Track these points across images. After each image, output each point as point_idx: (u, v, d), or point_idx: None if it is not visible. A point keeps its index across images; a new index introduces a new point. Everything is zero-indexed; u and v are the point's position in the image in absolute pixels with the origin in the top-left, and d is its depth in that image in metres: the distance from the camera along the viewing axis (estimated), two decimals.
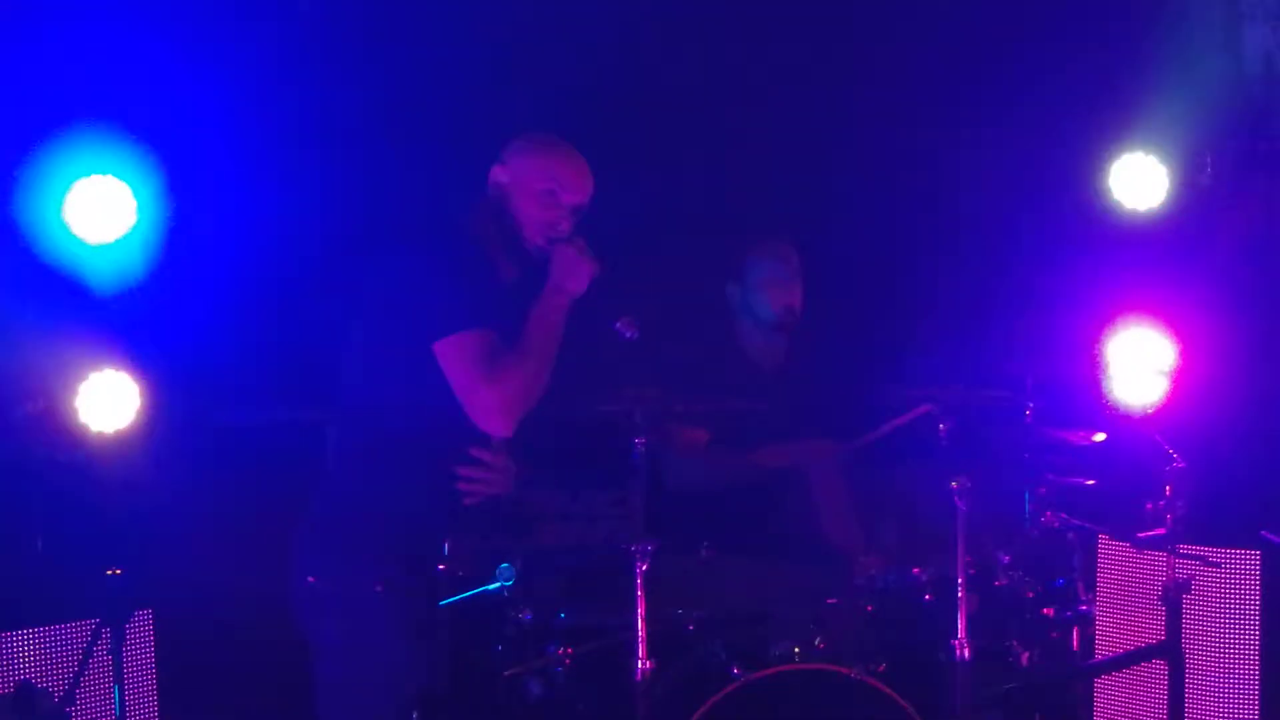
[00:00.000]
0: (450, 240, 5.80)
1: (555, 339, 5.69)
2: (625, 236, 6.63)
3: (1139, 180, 7.76)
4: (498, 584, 6.46)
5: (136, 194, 6.87)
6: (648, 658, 6.15)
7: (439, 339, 5.58)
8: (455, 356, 5.58)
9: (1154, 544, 6.42)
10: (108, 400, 6.92)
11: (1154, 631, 6.76)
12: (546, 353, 5.67)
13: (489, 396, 5.56)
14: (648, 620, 6.10)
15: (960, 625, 6.14)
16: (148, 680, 6.86)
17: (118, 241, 6.94)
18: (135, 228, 6.93)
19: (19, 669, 6.52)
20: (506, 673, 6.42)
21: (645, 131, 8.01)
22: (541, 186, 5.81)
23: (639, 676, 6.16)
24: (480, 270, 5.72)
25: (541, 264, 5.81)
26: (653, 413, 6.22)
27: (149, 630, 6.87)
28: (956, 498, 6.15)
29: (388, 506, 5.74)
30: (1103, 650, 7.14)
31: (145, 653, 6.85)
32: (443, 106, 7.86)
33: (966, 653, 6.16)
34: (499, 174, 5.89)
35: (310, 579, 5.70)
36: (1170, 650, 6.41)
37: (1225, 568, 6.79)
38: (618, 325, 5.92)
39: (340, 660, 5.73)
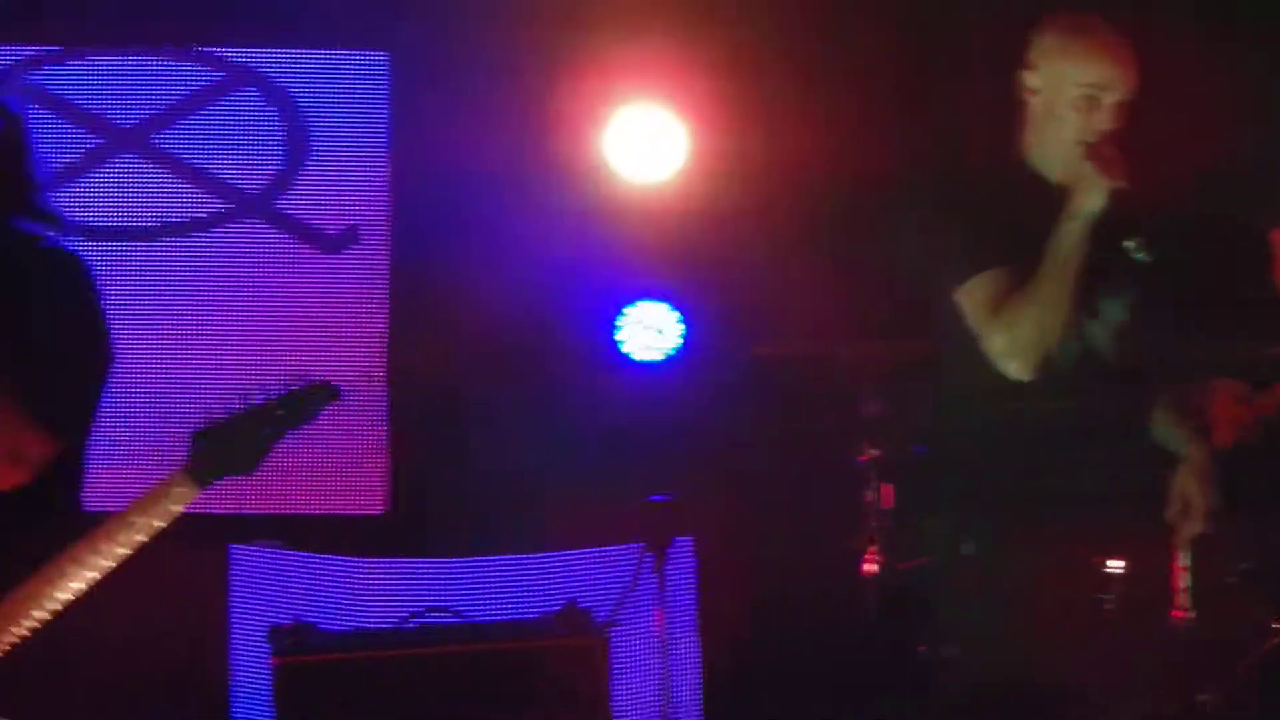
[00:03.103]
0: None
1: (1070, 270, 4.90)
2: None
3: None
4: None
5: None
6: (1187, 608, 6.11)
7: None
8: (967, 303, 5.01)
9: None
10: (650, 329, 7.16)
11: None
12: (1059, 287, 4.91)
13: (997, 340, 4.95)
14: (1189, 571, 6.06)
15: None
16: (688, 607, 7.07)
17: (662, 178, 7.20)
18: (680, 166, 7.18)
19: (568, 589, 6.78)
20: None
21: None
22: (1084, 82, 4.94)
23: (1176, 626, 6.13)
24: (993, 199, 5.04)
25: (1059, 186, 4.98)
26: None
27: (691, 557, 7.06)
28: None
29: None
30: None
31: (687, 579, 7.05)
32: None
33: None
34: (1029, 80, 5.06)
35: None
36: None
37: None
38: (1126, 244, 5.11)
39: None
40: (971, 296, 4.99)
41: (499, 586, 6.89)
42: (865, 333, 7.07)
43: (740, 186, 7.34)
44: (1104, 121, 4.94)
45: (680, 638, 6.99)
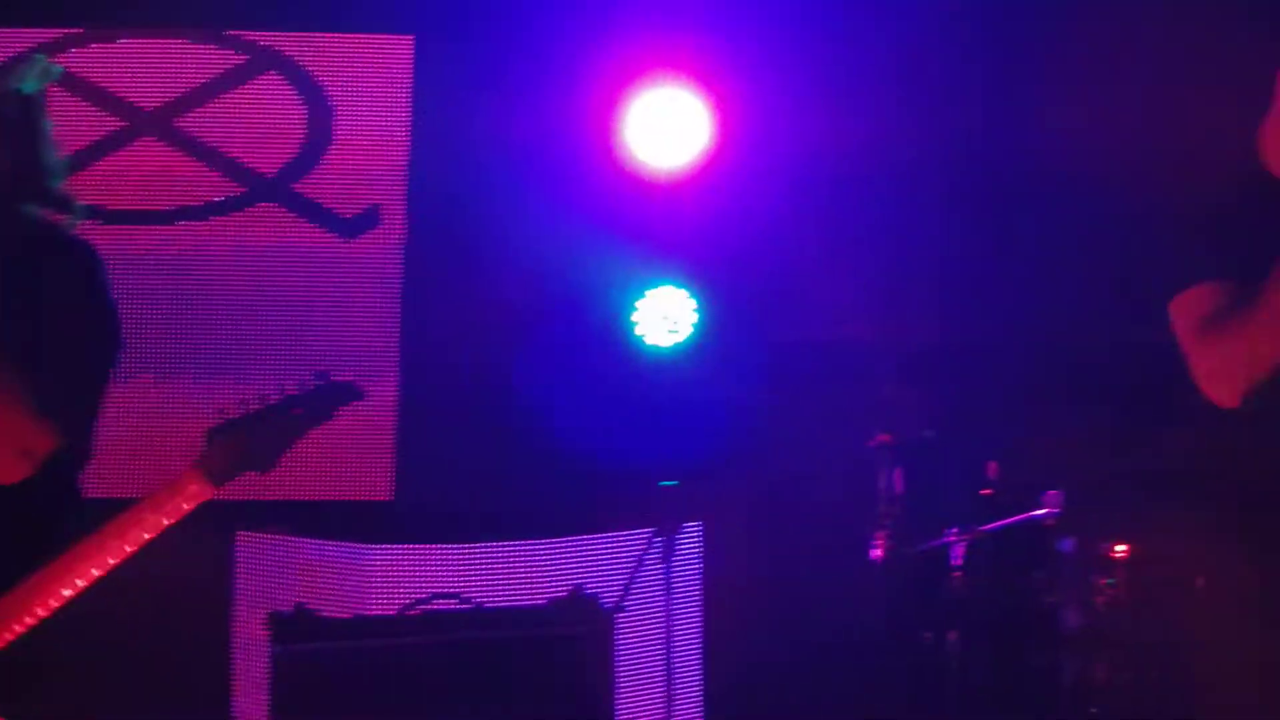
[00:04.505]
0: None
1: None
2: None
3: None
4: (1043, 511, 6.45)
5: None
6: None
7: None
8: (1179, 315, 4.45)
9: None
10: (667, 315, 7.12)
11: None
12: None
13: (1204, 362, 4.35)
14: None
15: None
16: (695, 591, 7.06)
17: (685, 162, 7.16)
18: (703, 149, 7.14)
19: (574, 574, 6.75)
20: (1046, 600, 6.38)
21: None
22: None
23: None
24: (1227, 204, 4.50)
25: None
26: None
27: (699, 542, 7.04)
28: None
29: None
30: None
31: (694, 564, 7.04)
32: None
33: None
34: None
35: None
36: None
37: None
38: None
39: None
40: (1184, 309, 4.41)
41: (506, 572, 6.88)
42: (881, 319, 7.01)
43: (761, 173, 7.28)
44: None
45: (686, 622, 6.92)
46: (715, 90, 7.29)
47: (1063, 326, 7.23)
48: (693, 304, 7.23)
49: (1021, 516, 6.52)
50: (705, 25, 7.30)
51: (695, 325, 7.24)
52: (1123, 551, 6.37)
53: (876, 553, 6.57)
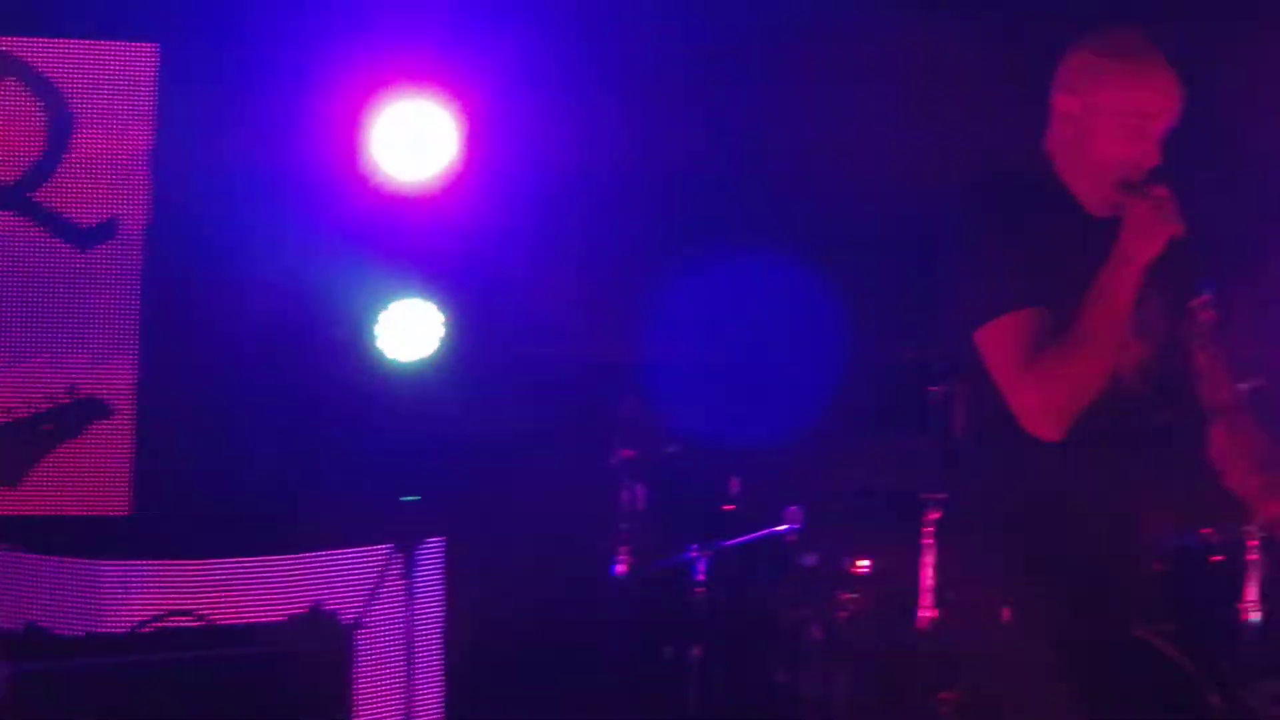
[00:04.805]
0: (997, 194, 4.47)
1: (1119, 322, 4.25)
2: None
3: None
4: (785, 526, 6.50)
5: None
6: (932, 607, 6.13)
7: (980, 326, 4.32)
8: (992, 346, 4.31)
9: None
10: (410, 329, 7.07)
11: None
12: (1105, 339, 4.24)
13: (1028, 393, 4.25)
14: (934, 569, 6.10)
15: (1250, 588, 5.95)
16: (436, 607, 6.99)
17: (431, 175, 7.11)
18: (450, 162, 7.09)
19: (313, 590, 6.68)
20: (788, 615, 6.42)
21: None
22: (1130, 112, 4.36)
23: (922, 626, 6.15)
24: (1029, 229, 4.34)
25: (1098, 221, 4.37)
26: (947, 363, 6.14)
27: (440, 558, 6.98)
28: None
29: None
30: None
31: (435, 580, 6.97)
32: None
33: (1255, 616, 5.97)
34: (1066, 105, 4.44)
35: None
36: None
37: None
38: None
39: None
40: (997, 339, 4.28)
41: (244, 588, 6.77)
42: (623, 334, 7.02)
43: (508, 186, 7.26)
44: (1149, 156, 4.35)
45: (428, 638, 6.87)
46: (463, 102, 7.24)
47: (808, 341, 7.28)
48: (438, 318, 7.17)
49: (763, 532, 6.57)
50: (454, 38, 7.25)
51: (440, 339, 7.18)
52: (864, 566, 6.43)
53: (619, 568, 6.56)
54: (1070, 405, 4.19)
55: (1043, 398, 4.20)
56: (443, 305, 7.20)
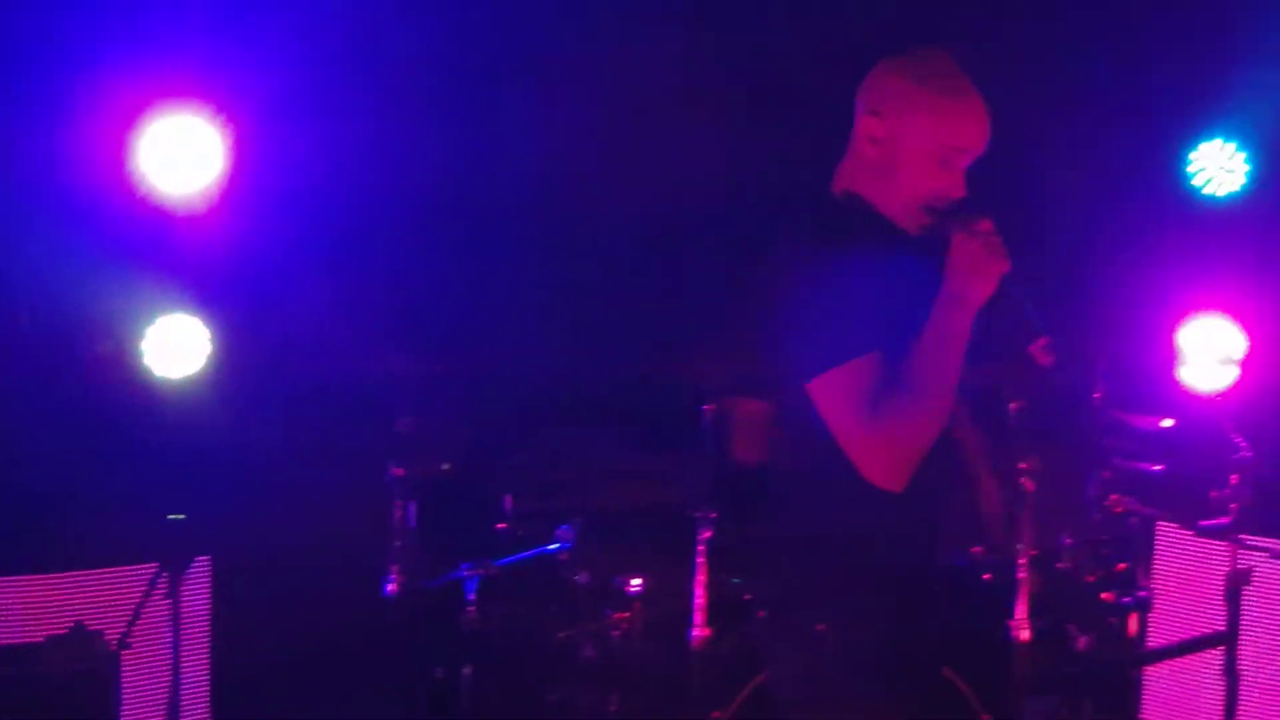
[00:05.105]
0: (806, 230, 4.33)
1: (956, 364, 4.15)
2: None
3: (1219, 167, 7.66)
4: (557, 545, 6.50)
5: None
6: (705, 625, 6.18)
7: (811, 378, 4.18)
8: (826, 395, 4.16)
9: (1217, 533, 6.34)
10: (177, 345, 6.96)
11: (1211, 621, 6.70)
12: (945, 383, 4.13)
13: (876, 450, 4.13)
14: (706, 588, 6.14)
15: (1020, 606, 6.07)
16: (202, 627, 6.92)
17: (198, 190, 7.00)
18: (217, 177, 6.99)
19: (75, 610, 6.55)
20: (560, 634, 6.42)
21: None
22: (937, 144, 4.29)
23: (695, 644, 6.19)
24: (851, 268, 4.18)
25: (917, 248, 4.30)
26: (718, 382, 6.20)
27: (206, 577, 6.89)
28: (1023, 478, 6.02)
29: None
30: (1158, 638, 7.08)
31: (201, 599, 6.90)
32: None
33: (1024, 634, 6.09)
34: (872, 128, 4.34)
35: None
36: (1228, 641, 6.32)
37: None
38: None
39: None
40: (833, 390, 4.15)
41: (3, 608, 6.58)
42: (399, 350, 6.99)
43: (276, 201, 7.19)
44: (957, 187, 4.30)
45: (194, 659, 6.78)
46: (230, 117, 7.15)
47: (579, 359, 7.31)
48: (205, 334, 7.07)
49: (535, 550, 6.57)
50: (222, 53, 7.16)
51: (207, 355, 7.08)
52: (637, 585, 6.45)
53: (391, 587, 6.51)
54: (916, 456, 4.14)
55: (889, 453, 4.12)
56: (210, 321, 7.10)
